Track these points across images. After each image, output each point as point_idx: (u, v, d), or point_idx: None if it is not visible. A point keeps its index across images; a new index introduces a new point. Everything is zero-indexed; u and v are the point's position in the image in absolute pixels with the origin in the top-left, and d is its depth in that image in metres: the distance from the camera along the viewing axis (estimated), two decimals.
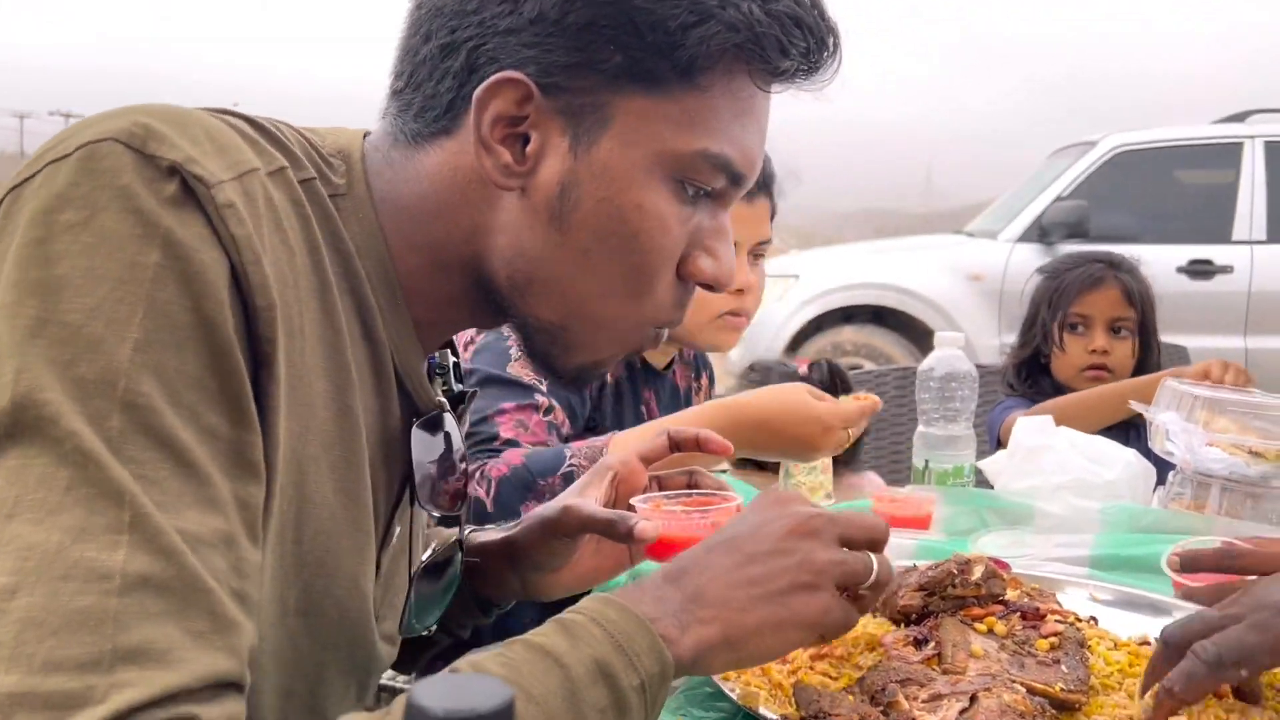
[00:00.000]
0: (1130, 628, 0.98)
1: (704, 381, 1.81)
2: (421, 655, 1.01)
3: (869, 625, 0.94)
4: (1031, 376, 2.27)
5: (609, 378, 1.56)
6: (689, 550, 0.74)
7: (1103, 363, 2.16)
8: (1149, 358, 2.21)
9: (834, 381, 1.95)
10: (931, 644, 0.89)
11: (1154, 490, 1.60)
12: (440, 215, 0.74)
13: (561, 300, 0.75)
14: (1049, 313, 2.22)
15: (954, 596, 0.94)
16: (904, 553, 1.25)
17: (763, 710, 0.79)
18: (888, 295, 5.99)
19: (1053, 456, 1.56)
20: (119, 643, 0.52)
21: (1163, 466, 1.59)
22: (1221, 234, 5.84)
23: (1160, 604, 1.07)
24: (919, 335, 5.82)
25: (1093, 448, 1.59)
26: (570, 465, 1.29)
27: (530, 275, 0.74)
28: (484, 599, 0.99)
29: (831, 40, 0.75)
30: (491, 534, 0.98)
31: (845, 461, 1.92)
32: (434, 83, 0.73)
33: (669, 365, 1.69)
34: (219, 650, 0.55)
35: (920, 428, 1.69)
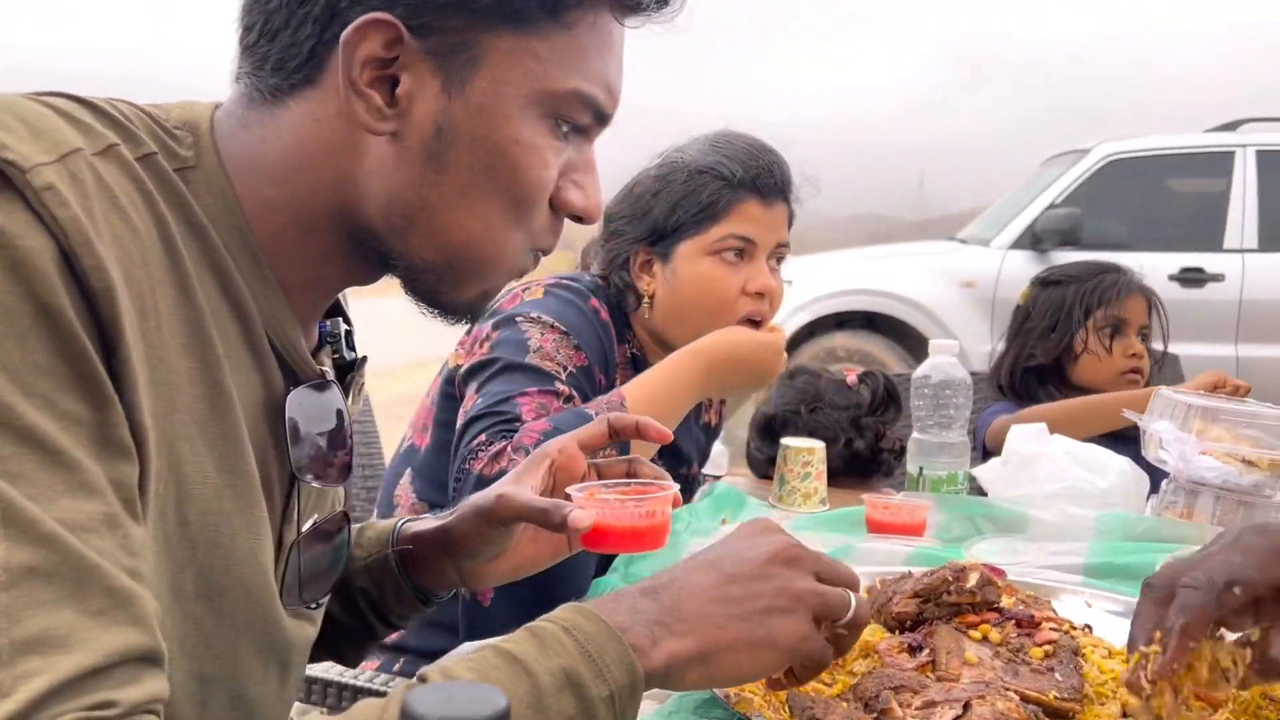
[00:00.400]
0: (1124, 636, 0.97)
1: None
2: (366, 645, 1.00)
3: (863, 632, 0.93)
4: (1034, 382, 2.22)
5: (619, 377, 1.56)
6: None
7: (1140, 366, 2.15)
8: (1153, 367, 2.22)
9: (887, 394, 1.94)
10: (926, 651, 0.89)
11: (1147, 498, 1.60)
12: (303, 169, 0.73)
13: (445, 238, 0.75)
14: (1082, 315, 2.18)
15: (949, 603, 0.94)
16: (898, 559, 1.25)
17: (757, 716, 0.79)
18: (881, 301, 6.00)
19: (1047, 464, 1.57)
20: (15, 636, 0.51)
21: (1156, 475, 1.59)
22: (1213, 242, 5.86)
23: None
24: (912, 341, 5.83)
25: (1087, 456, 1.60)
26: None
27: (409, 217, 0.73)
28: (421, 588, 0.97)
29: None
30: (426, 523, 0.97)
31: (885, 474, 1.93)
32: (291, 30, 0.71)
33: None
34: (122, 625, 0.54)
35: (915, 434, 1.70)
